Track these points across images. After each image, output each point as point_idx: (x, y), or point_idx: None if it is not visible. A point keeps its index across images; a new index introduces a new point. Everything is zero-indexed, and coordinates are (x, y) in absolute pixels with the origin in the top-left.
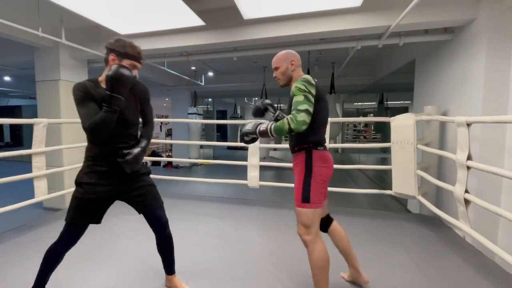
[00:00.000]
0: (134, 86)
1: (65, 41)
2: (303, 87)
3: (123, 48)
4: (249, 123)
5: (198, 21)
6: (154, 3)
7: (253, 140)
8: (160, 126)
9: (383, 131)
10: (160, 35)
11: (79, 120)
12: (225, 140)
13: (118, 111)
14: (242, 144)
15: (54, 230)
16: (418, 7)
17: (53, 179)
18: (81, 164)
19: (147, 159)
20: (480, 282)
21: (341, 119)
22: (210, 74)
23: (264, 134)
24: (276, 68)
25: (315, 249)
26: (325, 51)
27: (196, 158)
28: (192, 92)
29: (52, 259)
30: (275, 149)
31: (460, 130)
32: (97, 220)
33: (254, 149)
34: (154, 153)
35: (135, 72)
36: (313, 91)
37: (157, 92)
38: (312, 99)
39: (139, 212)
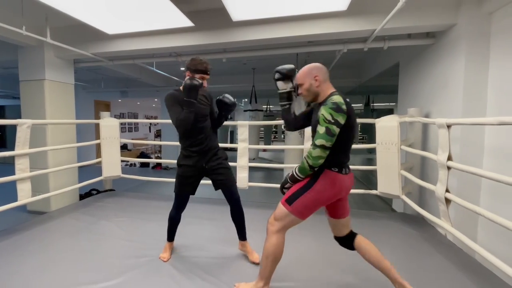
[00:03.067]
0: (208, 93)
1: (50, 40)
2: (329, 117)
3: (194, 66)
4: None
5: (187, 22)
6: (142, 3)
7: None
8: (149, 127)
9: (369, 133)
10: (149, 36)
11: (64, 121)
12: None
13: (194, 111)
14: (232, 145)
15: (38, 234)
16: (401, 12)
17: (37, 181)
18: (67, 166)
19: (135, 160)
20: (461, 278)
21: None
22: None
23: (293, 179)
24: (300, 85)
25: (270, 240)
26: (313, 54)
27: None
28: None
29: (172, 220)
30: (264, 150)
31: (441, 131)
32: (193, 192)
33: (243, 150)
34: (143, 155)
35: (204, 82)
36: (341, 119)
37: (146, 93)
38: (336, 130)
39: (216, 188)
